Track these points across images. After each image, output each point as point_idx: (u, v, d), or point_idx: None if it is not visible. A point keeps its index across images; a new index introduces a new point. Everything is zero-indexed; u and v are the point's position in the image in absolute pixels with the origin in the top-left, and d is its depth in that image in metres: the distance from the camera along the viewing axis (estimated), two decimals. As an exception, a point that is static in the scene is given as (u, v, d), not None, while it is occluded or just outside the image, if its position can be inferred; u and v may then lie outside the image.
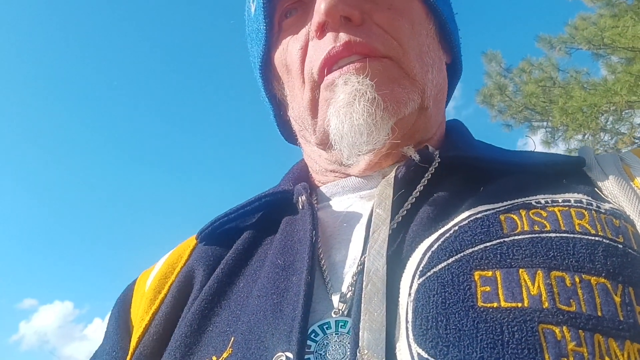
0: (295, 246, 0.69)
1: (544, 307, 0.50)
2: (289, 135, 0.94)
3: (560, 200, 0.63)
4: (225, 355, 0.60)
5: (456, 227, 0.61)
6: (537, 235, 0.57)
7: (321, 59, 0.73)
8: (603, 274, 0.52)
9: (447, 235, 0.60)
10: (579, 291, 0.51)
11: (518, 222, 0.60)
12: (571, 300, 0.51)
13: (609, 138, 8.36)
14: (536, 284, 0.52)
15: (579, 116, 7.31)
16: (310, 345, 0.57)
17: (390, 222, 0.65)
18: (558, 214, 0.60)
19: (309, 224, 0.69)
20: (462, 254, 0.57)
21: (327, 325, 0.58)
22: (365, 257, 0.61)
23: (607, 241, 0.56)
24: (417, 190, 0.70)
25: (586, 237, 0.56)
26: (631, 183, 0.66)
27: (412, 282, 0.57)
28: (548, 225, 0.59)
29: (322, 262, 0.68)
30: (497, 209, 0.62)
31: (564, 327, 0.49)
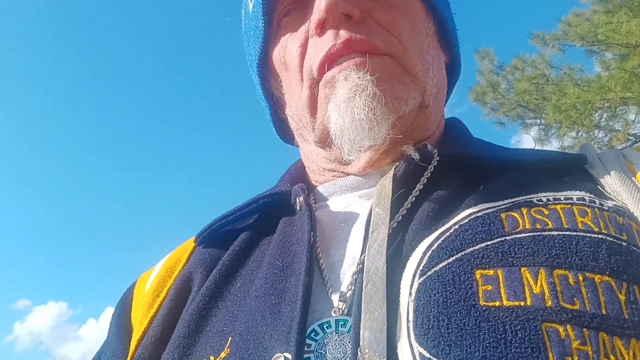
0: (293, 247, 0.69)
1: (547, 305, 0.50)
2: (285, 134, 0.94)
3: (562, 198, 0.62)
4: (223, 355, 0.60)
5: (456, 226, 0.61)
6: (539, 233, 0.57)
7: (321, 56, 0.72)
8: (607, 272, 0.52)
9: (448, 234, 0.60)
10: (583, 289, 0.51)
11: (519, 220, 0.59)
12: (575, 299, 0.50)
13: (603, 135, 8.39)
14: (539, 283, 0.52)
15: (573, 113, 7.33)
16: (310, 344, 0.56)
17: (390, 221, 0.65)
18: (560, 211, 0.60)
19: (307, 225, 0.69)
20: (462, 253, 0.57)
21: (327, 325, 0.58)
22: (364, 257, 0.61)
23: (611, 239, 0.55)
24: (416, 189, 0.70)
25: (589, 234, 0.56)
26: (634, 180, 0.65)
27: (413, 281, 0.56)
28: (550, 224, 0.58)
29: (321, 261, 0.67)
30: (498, 207, 0.62)
31: (568, 326, 0.48)
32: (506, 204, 0.62)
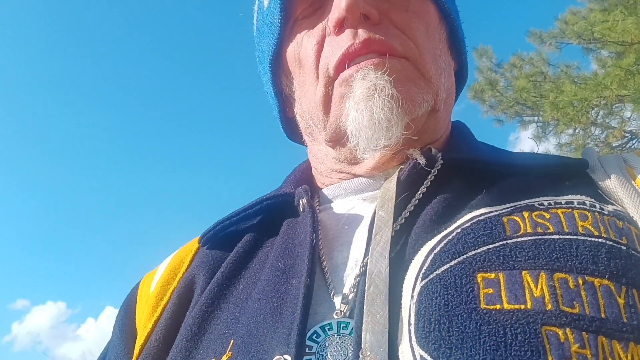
0: (295, 249, 0.69)
1: (547, 309, 0.50)
2: (293, 132, 0.94)
3: (563, 202, 0.62)
4: (224, 358, 0.60)
5: (459, 230, 0.61)
6: (540, 237, 0.57)
7: (339, 55, 0.73)
8: (606, 276, 0.52)
9: (450, 237, 0.60)
10: (583, 293, 0.51)
11: (521, 224, 0.60)
12: (574, 302, 0.50)
13: (600, 132, 8.40)
14: (539, 286, 0.52)
15: (570, 110, 7.33)
16: (312, 346, 0.57)
17: (393, 224, 0.65)
18: (561, 215, 0.60)
19: (310, 227, 0.69)
20: (464, 256, 0.57)
21: (328, 327, 0.58)
22: (367, 259, 0.61)
23: (611, 243, 0.56)
24: (419, 192, 0.70)
25: (589, 238, 0.56)
26: (634, 184, 0.66)
27: (415, 284, 0.57)
28: (551, 227, 0.58)
29: (324, 264, 0.68)
30: (500, 211, 0.62)
31: (567, 329, 0.49)
32: (508, 207, 0.63)
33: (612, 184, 0.66)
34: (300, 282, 0.62)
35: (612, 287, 0.52)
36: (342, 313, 0.60)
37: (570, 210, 0.61)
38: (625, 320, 0.49)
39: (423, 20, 0.77)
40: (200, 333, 0.66)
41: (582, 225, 0.58)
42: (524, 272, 0.54)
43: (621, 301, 0.51)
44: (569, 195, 0.64)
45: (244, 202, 0.83)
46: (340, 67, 0.73)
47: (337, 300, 0.62)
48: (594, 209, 0.61)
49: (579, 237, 0.56)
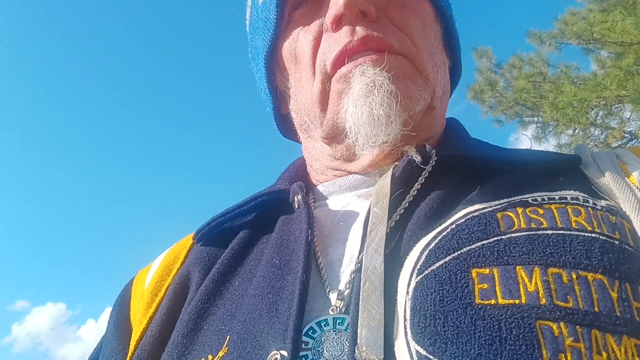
0: (291, 245, 0.69)
1: (541, 303, 0.51)
2: (287, 129, 0.94)
3: (556, 198, 0.63)
4: (221, 354, 0.60)
5: (453, 226, 0.61)
6: (533, 232, 0.58)
7: (336, 51, 0.73)
8: (600, 270, 0.53)
9: (445, 233, 0.61)
10: (576, 287, 0.52)
11: (515, 219, 0.60)
12: (568, 297, 0.51)
13: (599, 133, 8.40)
14: (533, 281, 0.53)
15: (569, 111, 7.34)
16: (308, 342, 0.57)
17: (388, 221, 0.65)
18: (555, 211, 0.60)
19: (305, 223, 0.69)
20: (459, 252, 0.57)
21: (324, 322, 0.59)
22: (362, 256, 0.62)
23: (604, 238, 0.56)
24: (414, 189, 0.70)
25: (583, 233, 0.57)
26: (627, 180, 0.66)
27: (410, 280, 0.57)
28: (545, 223, 0.59)
29: (319, 260, 0.68)
30: (494, 207, 0.63)
31: (562, 323, 0.49)
32: (502, 203, 0.63)
33: (605, 179, 0.66)
34: (296, 278, 0.62)
35: (606, 282, 0.52)
36: (338, 309, 0.60)
37: (563, 205, 0.61)
38: (618, 314, 0.50)
39: (419, 17, 0.78)
40: (197, 329, 0.66)
41: (575, 221, 0.59)
42: (518, 267, 0.54)
43: (614, 295, 0.51)
44: (563, 191, 0.64)
45: (239, 199, 0.83)
46: (338, 63, 0.73)
47: (333, 297, 0.62)
48: (587, 205, 0.61)
49: (572, 232, 0.57)
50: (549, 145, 8.72)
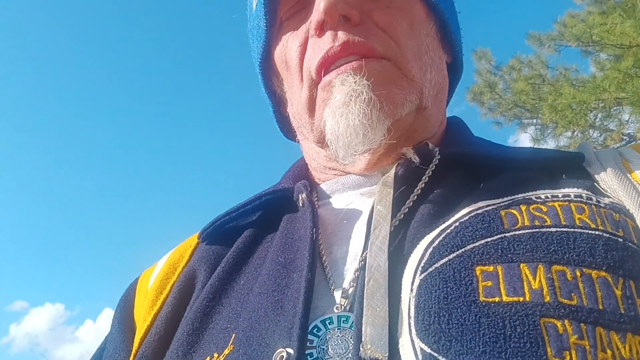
0: (295, 243, 0.69)
1: (546, 301, 0.51)
2: (288, 131, 0.94)
3: (560, 195, 0.63)
4: (226, 352, 0.60)
5: (457, 223, 0.61)
6: (537, 230, 0.58)
7: (319, 58, 0.73)
8: (604, 268, 0.53)
9: (448, 231, 0.61)
10: (580, 285, 0.51)
11: (518, 217, 0.60)
12: (572, 294, 0.51)
13: (598, 135, 8.42)
14: (537, 278, 0.53)
15: (568, 113, 7.35)
16: (313, 340, 0.57)
17: (392, 219, 0.65)
18: (558, 208, 0.60)
19: (309, 222, 0.70)
20: (463, 250, 0.57)
21: (329, 321, 0.59)
22: (366, 254, 0.62)
23: (608, 235, 0.56)
24: (418, 187, 0.70)
25: (586, 231, 0.57)
26: (630, 177, 0.66)
27: (414, 277, 0.57)
28: (548, 220, 0.59)
29: (324, 258, 0.68)
30: (498, 205, 0.63)
31: (566, 321, 0.49)
32: (505, 201, 0.63)
33: (608, 177, 0.67)
34: (301, 276, 0.62)
35: (610, 279, 0.52)
36: (342, 307, 0.60)
37: (567, 203, 0.61)
38: (622, 312, 0.50)
39: (407, 16, 0.77)
40: (202, 327, 0.67)
41: (579, 218, 0.59)
42: (522, 264, 0.54)
43: (618, 292, 0.51)
44: (566, 189, 0.64)
45: (244, 198, 0.83)
46: (321, 70, 0.73)
47: (337, 295, 0.62)
48: (591, 202, 0.61)
49: (576, 230, 0.57)
50: (548, 147, 8.73)
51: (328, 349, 0.56)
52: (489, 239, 0.58)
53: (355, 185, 0.79)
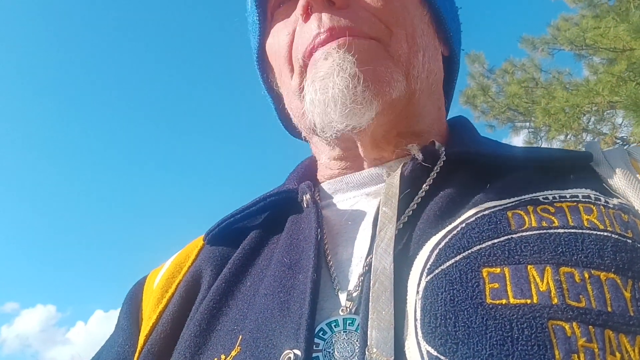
0: (300, 244, 0.69)
1: (553, 303, 0.50)
2: (293, 128, 0.94)
3: (568, 196, 0.62)
4: (233, 353, 0.60)
5: (463, 225, 0.61)
6: (545, 231, 0.57)
7: (306, 45, 0.73)
8: (612, 270, 0.52)
9: (455, 232, 0.60)
10: (589, 287, 0.51)
11: (526, 218, 0.60)
12: (581, 296, 0.50)
13: (591, 138, 8.44)
14: (545, 280, 0.52)
15: (562, 116, 7.37)
16: (319, 344, 0.56)
17: (397, 220, 0.65)
18: (566, 209, 0.60)
19: (314, 222, 0.69)
20: (469, 251, 0.57)
21: (335, 323, 0.58)
22: (372, 256, 0.61)
23: (616, 236, 0.56)
24: (422, 189, 0.70)
25: (595, 232, 0.56)
26: (639, 177, 0.66)
27: (420, 280, 0.56)
28: (556, 221, 0.58)
29: (329, 260, 0.67)
30: (505, 206, 0.62)
31: (574, 323, 0.48)
32: (513, 202, 0.63)
33: (616, 177, 0.66)
34: (307, 277, 0.62)
35: (619, 281, 0.51)
36: (348, 309, 0.60)
37: (575, 204, 0.61)
38: (632, 314, 0.49)
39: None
40: (209, 329, 0.66)
41: (587, 219, 0.58)
42: (529, 266, 0.54)
43: (627, 295, 0.50)
44: (574, 189, 0.64)
45: (239, 204, 0.84)
46: (309, 55, 0.74)
47: (342, 297, 0.62)
48: (599, 203, 0.61)
49: (584, 231, 0.56)
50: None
51: (334, 352, 0.56)
52: (495, 240, 0.57)
53: (360, 185, 0.78)
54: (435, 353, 0.50)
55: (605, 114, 7.74)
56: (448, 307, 0.52)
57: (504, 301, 0.51)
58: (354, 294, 0.61)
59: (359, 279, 0.62)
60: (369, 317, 0.55)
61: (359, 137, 0.76)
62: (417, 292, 0.56)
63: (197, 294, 0.74)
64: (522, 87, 8.60)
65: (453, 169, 0.72)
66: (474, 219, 0.61)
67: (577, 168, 0.70)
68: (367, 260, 0.63)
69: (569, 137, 8.38)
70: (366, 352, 0.52)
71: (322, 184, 0.83)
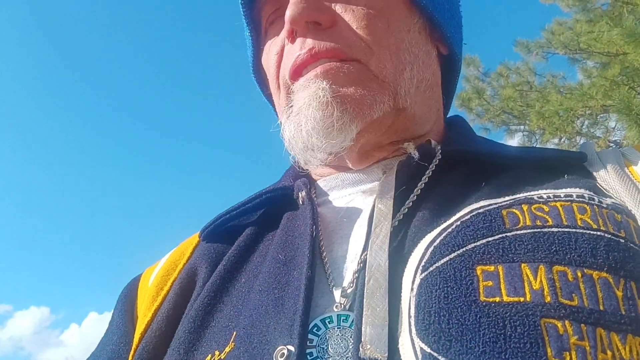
0: (295, 241, 0.69)
1: (546, 301, 0.50)
2: None
3: (562, 195, 0.63)
4: (227, 349, 0.60)
5: (458, 222, 0.61)
6: (539, 230, 0.57)
7: (289, 66, 0.74)
8: (605, 269, 0.52)
9: (449, 230, 0.60)
10: (581, 285, 0.51)
11: (520, 217, 0.60)
12: (573, 295, 0.51)
13: (585, 141, 8.48)
14: (538, 279, 0.52)
15: (556, 120, 7.39)
16: (312, 339, 0.57)
17: (393, 218, 0.65)
18: (560, 208, 0.60)
19: (309, 219, 0.70)
20: (464, 249, 0.57)
21: (329, 319, 0.58)
22: (367, 253, 0.62)
23: (609, 236, 0.56)
24: (418, 187, 0.70)
25: (588, 231, 0.56)
26: (632, 178, 0.66)
27: (415, 277, 0.57)
28: (550, 220, 0.58)
29: (324, 256, 0.68)
30: (499, 204, 0.62)
31: (566, 321, 0.49)
32: (507, 200, 0.63)
33: (610, 177, 0.67)
34: (302, 273, 0.62)
35: (611, 280, 0.52)
36: (342, 306, 0.60)
37: (569, 203, 0.61)
38: (623, 313, 0.49)
39: (382, 14, 0.76)
40: (203, 325, 0.66)
41: (580, 218, 0.58)
42: (523, 264, 0.54)
43: (619, 294, 0.51)
44: (568, 189, 0.64)
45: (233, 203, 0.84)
46: (294, 77, 0.74)
47: (337, 293, 0.62)
48: (593, 202, 0.61)
49: (577, 230, 0.57)
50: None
51: (328, 348, 0.56)
52: (490, 239, 0.58)
53: (356, 182, 0.79)
54: (428, 350, 0.50)
55: (598, 117, 7.77)
56: (442, 304, 0.53)
57: (497, 299, 0.52)
58: (349, 291, 0.61)
59: (353, 275, 0.62)
60: (363, 313, 0.55)
61: (347, 154, 0.76)
62: (412, 289, 0.56)
63: (192, 291, 0.74)
64: (517, 91, 8.62)
65: (449, 167, 0.73)
66: (469, 217, 0.61)
67: (572, 168, 0.71)
68: (362, 257, 0.63)
69: (562, 140, 8.40)
70: (360, 349, 0.52)
71: (317, 182, 0.84)
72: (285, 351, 0.54)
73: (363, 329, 0.54)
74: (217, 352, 0.61)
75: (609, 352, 0.47)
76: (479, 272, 0.55)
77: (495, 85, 9.18)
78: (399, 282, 0.58)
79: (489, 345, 0.49)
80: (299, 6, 0.71)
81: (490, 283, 0.53)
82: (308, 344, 0.56)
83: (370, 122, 0.72)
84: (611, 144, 7.98)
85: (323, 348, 0.56)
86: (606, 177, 0.67)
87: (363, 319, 0.54)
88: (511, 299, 0.51)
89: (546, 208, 0.61)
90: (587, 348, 0.47)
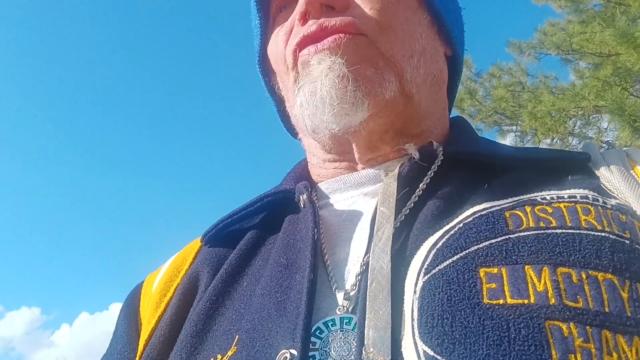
0: (297, 244, 0.69)
1: (551, 303, 0.50)
2: (294, 130, 0.94)
3: (565, 197, 0.62)
4: (230, 353, 0.60)
5: (461, 224, 0.61)
6: (542, 231, 0.57)
7: (297, 39, 0.74)
8: (610, 270, 0.52)
9: (452, 232, 0.60)
10: (586, 287, 0.51)
11: (523, 218, 0.60)
12: (578, 297, 0.50)
13: (577, 142, 8.50)
14: (542, 281, 0.52)
15: (548, 120, 7.41)
16: (315, 342, 0.56)
17: (394, 220, 0.65)
18: (564, 210, 0.60)
19: (311, 222, 0.69)
20: (467, 251, 0.57)
21: (331, 323, 0.58)
22: (369, 255, 0.61)
23: (614, 237, 0.55)
24: (420, 189, 0.70)
25: (592, 233, 0.56)
26: (637, 178, 0.66)
27: (417, 279, 0.56)
28: (554, 222, 0.58)
29: (326, 259, 0.67)
30: (502, 206, 0.62)
31: (571, 324, 0.48)
32: (510, 202, 0.63)
33: (614, 177, 0.66)
34: (304, 277, 0.62)
35: (616, 281, 0.51)
36: (345, 309, 0.59)
37: (573, 204, 0.61)
38: (629, 314, 0.49)
39: (398, 2, 0.77)
40: (205, 329, 0.66)
41: (585, 220, 0.58)
42: (527, 266, 0.54)
43: (625, 295, 0.50)
44: (572, 189, 0.64)
45: (234, 207, 0.83)
46: (301, 47, 0.74)
47: (340, 296, 0.61)
48: (597, 203, 0.61)
49: (582, 232, 0.56)
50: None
51: (330, 351, 0.55)
52: (493, 241, 0.57)
53: (357, 184, 0.78)
54: (432, 353, 0.50)
55: (591, 118, 7.81)
56: (445, 307, 0.52)
57: (501, 301, 0.51)
58: (351, 293, 0.61)
59: (356, 278, 0.62)
60: (366, 316, 0.54)
61: (354, 138, 0.76)
62: (415, 291, 0.55)
63: (194, 297, 0.74)
64: (509, 91, 8.65)
65: (451, 168, 0.72)
66: (471, 219, 0.61)
67: (575, 168, 0.70)
68: (365, 259, 0.63)
69: (555, 140, 8.43)
70: (363, 352, 0.52)
71: (319, 184, 0.83)
72: (288, 355, 0.54)
73: (366, 332, 0.53)
74: (219, 356, 0.61)
75: (614, 355, 0.47)
76: (482, 274, 0.54)
77: (488, 85, 9.20)
78: (402, 285, 0.57)
79: (492, 348, 0.48)
80: None
81: (493, 285, 0.53)
82: (311, 347, 0.56)
83: (381, 103, 0.72)
84: (603, 145, 8.01)
85: (326, 351, 0.55)
86: (610, 178, 0.67)
87: (366, 322, 0.54)
88: (515, 301, 0.51)
89: (550, 209, 0.60)
90: (593, 350, 0.47)
